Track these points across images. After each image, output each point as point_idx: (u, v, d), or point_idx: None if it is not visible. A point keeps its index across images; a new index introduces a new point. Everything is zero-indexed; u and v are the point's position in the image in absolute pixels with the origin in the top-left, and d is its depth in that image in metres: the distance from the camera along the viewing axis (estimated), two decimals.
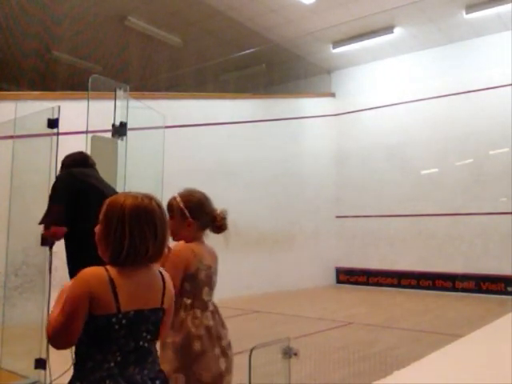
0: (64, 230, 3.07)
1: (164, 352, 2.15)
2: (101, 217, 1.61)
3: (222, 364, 2.24)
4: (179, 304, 2.16)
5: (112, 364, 1.52)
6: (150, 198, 1.63)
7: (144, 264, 1.61)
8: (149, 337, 1.60)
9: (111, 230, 1.56)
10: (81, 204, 3.06)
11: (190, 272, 2.23)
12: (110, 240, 1.56)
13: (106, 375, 1.51)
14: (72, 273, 2.89)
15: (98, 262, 1.58)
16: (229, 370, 2.29)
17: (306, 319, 8.04)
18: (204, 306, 2.27)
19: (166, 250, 1.83)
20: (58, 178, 3.27)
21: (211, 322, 2.26)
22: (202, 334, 2.19)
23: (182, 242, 2.27)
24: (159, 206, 1.64)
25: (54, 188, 3.17)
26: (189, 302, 2.23)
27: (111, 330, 1.51)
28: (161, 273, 1.68)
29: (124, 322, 1.52)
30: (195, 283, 2.25)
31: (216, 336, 2.26)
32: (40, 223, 3.11)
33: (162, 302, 1.63)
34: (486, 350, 2.24)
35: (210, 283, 2.33)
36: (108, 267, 1.55)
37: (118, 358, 1.53)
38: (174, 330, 2.16)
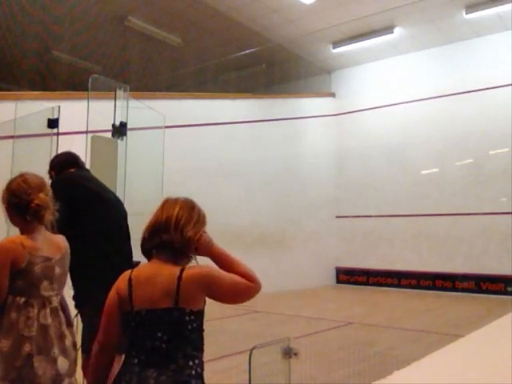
0: None
1: None
2: None
3: (62, 364, 2.07)
4: (11, 304, 2.01)
5: (136, 361, 1.55)
6: (166, 200, 1.71)
7: (160, 261, 1.63)
8: (165, 338, 1.53)
9: None
10: (80, 210, 2.90)
11: (20, 267, 2.01)
12: None
13: (127, 371, 1.55)
14: (74, 283, 2.78)
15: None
16: (71, 371, 2.12)
17: (306, 319, 8.03)
18: (42, 303, 2.07)
19: None
20: (55, 184, 2.89)
21: (49, 321, 2.06)
22: (33, 334, 2.00)
23: (11, 237, 2.09)
24: (176, 204, 1.67)
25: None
26: (22, 300, 2.03)
27: (129, 327, 1.58)
28: (182, 271, 1.57)
29: (138, 319, 1.56)
30: (29, 279, 2.04)
31: (57, 335, 2.08)
32: None
33: (177, 303, 1.54)
34: (486, 349, 2.23)
35: (50, 276, 2.10)
36: (142, 263, 1.70)
37: (142, 357, 1.54)
38: (2, 334, 1.98)
